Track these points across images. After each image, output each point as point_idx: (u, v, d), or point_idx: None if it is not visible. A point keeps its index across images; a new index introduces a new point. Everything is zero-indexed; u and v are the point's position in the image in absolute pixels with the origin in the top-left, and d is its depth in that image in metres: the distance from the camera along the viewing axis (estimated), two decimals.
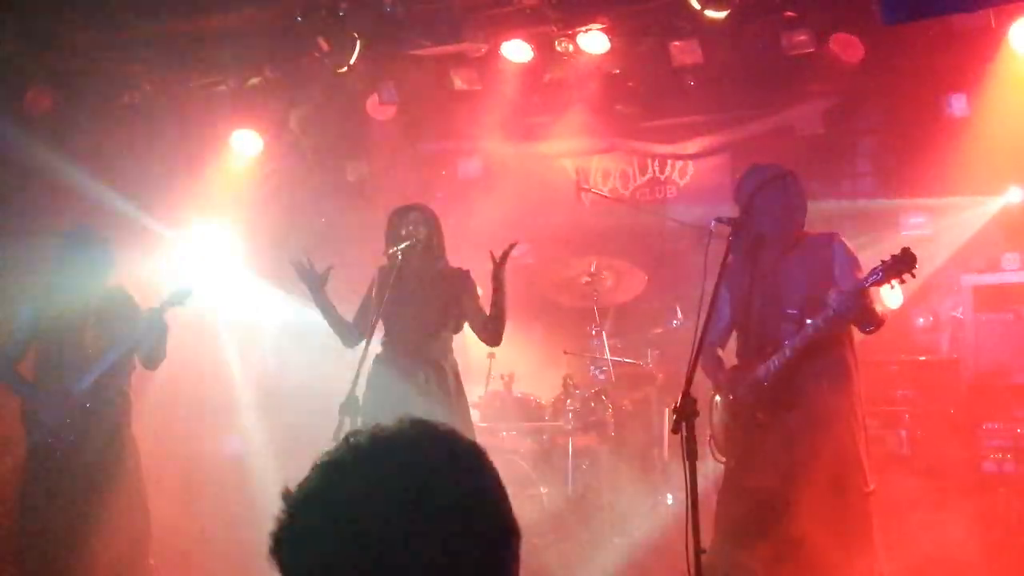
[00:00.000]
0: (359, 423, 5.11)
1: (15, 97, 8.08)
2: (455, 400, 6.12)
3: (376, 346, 6.15)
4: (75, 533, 6.04)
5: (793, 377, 5.11)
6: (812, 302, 5.12)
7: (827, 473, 5.05)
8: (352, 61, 7.95)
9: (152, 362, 6.44)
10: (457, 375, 6.24)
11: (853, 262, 5.22)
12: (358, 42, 7.90)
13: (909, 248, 4.82)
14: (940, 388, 7.39)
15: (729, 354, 5.56)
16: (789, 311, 5.16)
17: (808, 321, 5.04)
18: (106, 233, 6.53)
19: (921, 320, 7.68)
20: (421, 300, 6.10)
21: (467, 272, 6.23)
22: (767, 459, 5.15)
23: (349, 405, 5.27)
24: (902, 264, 4.77)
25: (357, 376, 5.40)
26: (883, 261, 4.83)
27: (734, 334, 5.52)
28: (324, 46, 7.91)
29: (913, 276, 4.85)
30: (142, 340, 6.26)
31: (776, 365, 5.10)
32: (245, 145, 9.16)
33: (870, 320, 5.10)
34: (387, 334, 6.19)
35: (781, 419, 5.14)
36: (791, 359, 5.07)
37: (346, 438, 1.55)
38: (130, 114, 8.81)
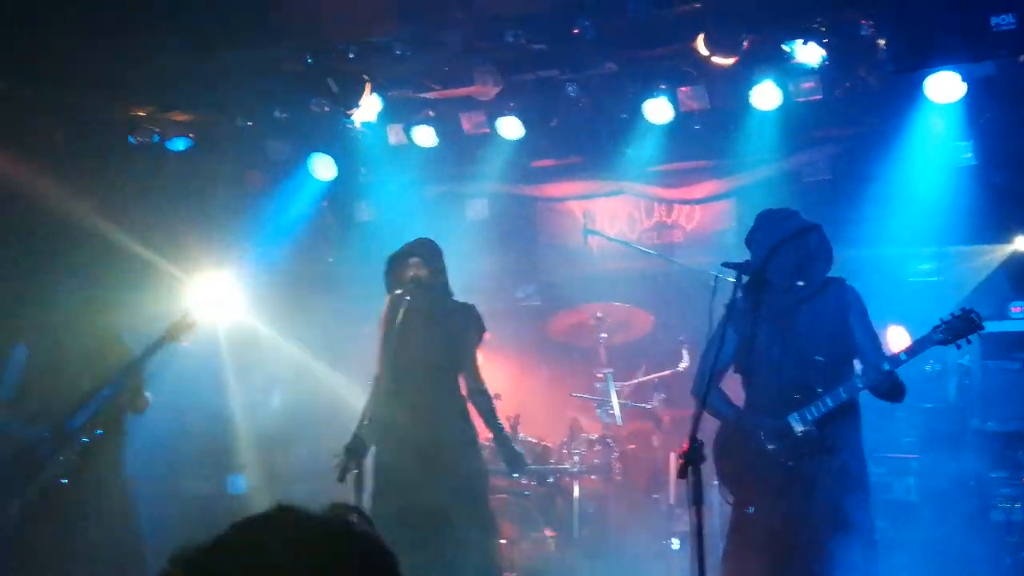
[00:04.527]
0: (364, 464, 5.10)
1: (24, 134, 8.10)
2: (464, 439, 6.02)
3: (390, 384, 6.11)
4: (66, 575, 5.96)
5: (825, 423, 5.10)
6: (836, 349, 5.16)
7: (847, 518, 5.05)
8: (361, 103, 8.01)
9: (134, 407, 6.34)
10: (466, 412, 6.12)
11: (865, 310, 5.24)
12: (368, 84, 7.96)
13: (974, 311, 4.88)
14: (948, 435, 7.35)
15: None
16: (817, 358, 5.14)
17: (869, 372, 5.02)
18: (112, 274, 6.52)
19: (928, 367, 7.63)
20: (426, 338, 6.02)
21: (472, 309, 6.18)
22: (792, 505, 5.11)
23: (355, 447, 5.25)
24: (969, 327, 4.86)
25: (363, 418, 5.38)
26: (944, 321, 4.88)
27: (730, 375, 5.49)
28: (334, 88, 7.97)
29: (979, 337, 4.98)
30: (130, 381, 6.20)
31: (816, 414, 5.07)
32: (255, 185, 9.20)
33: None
34: (396, 374, 6.07)
35: (812, 465, 5.11)
36: (833, 408, 5.05)
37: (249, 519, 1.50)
38: (138, 154, 8.85)
